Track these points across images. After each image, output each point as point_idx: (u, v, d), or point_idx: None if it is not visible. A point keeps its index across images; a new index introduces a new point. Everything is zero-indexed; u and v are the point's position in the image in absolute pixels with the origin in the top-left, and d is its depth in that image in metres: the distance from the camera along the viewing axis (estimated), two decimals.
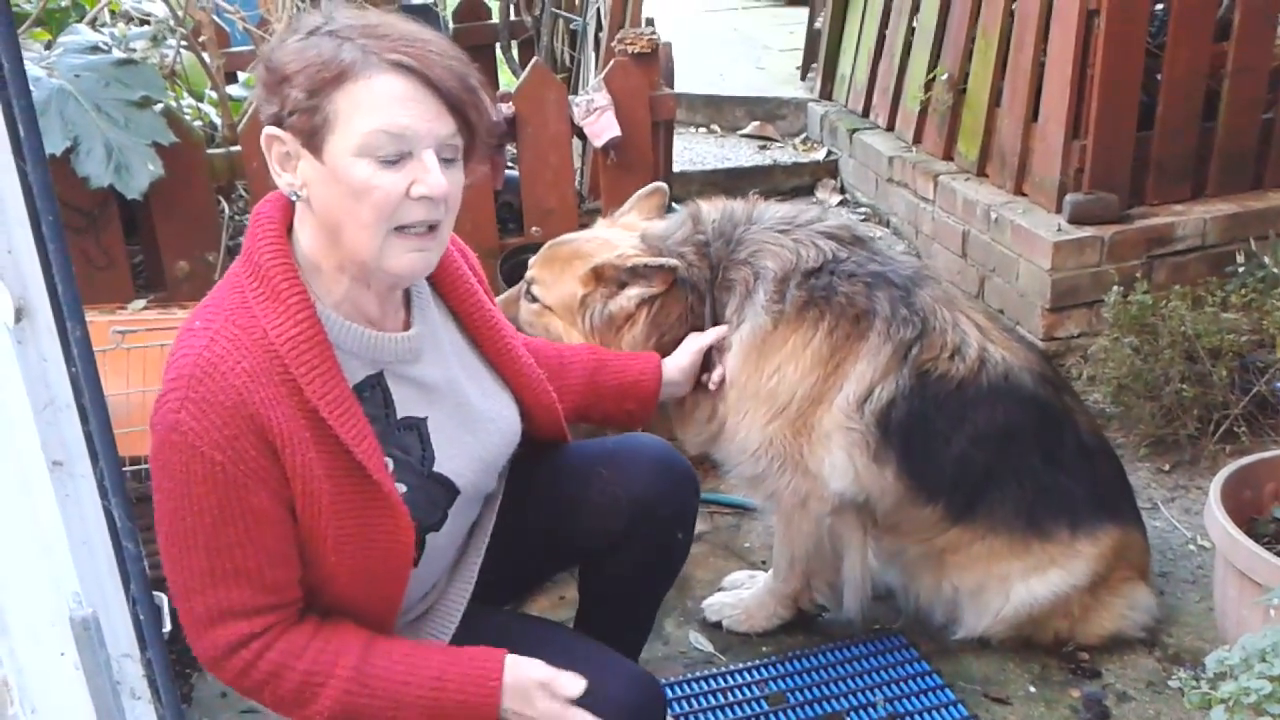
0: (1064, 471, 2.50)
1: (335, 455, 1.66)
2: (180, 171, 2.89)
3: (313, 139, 1.62)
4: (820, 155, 5.30)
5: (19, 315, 1.03)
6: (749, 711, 2.50)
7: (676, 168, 4.06)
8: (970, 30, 4.23)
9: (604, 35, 3.96)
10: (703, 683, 2.58)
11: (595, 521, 2.05)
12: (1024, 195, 3.95)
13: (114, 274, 2.98)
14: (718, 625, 2.75)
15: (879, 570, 2.63)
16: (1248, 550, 2.34)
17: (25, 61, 0.97)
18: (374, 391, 1.77)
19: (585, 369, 2.29)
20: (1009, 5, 4.00)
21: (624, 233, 2.55)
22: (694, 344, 2.41)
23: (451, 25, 4.56)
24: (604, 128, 3.33)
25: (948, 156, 4.39)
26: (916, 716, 2.47)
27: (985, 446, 2.44)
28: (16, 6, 3.26)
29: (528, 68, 3.39)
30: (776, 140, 5.56)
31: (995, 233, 3.91)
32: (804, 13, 6.13)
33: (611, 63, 3.41)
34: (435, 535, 1.86)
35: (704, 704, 2.52)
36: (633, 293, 2.42)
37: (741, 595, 2.77)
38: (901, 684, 2.55)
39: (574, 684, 1.73)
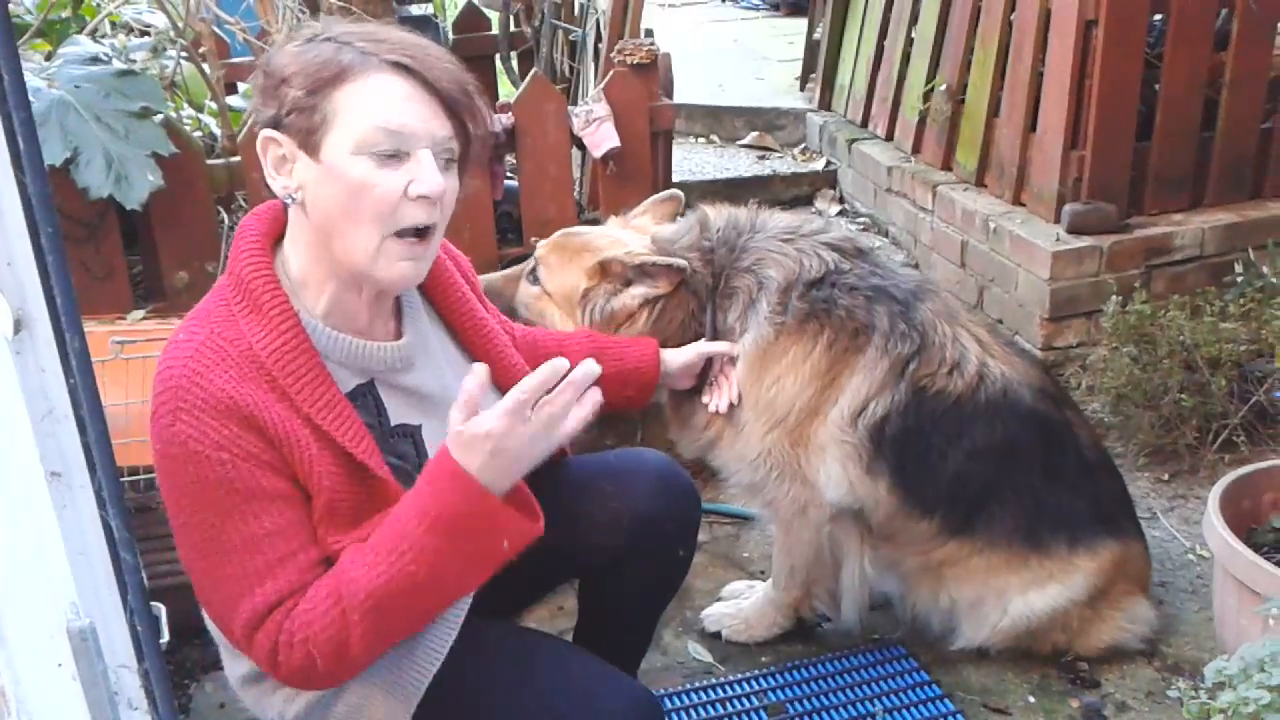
0: (1063, 487, 2.50)
1: (336, 458, 1.65)
2: (180, 182, 2.90)
3: (310, 138, 1.63)
4: (819, 165, 5.30)
5: (18, 326, 1.03)
6: None
7: (675, 178, 4.06)
8: (969, 41, 4.24)
9: (603, 46, 3.97)
10: (702, 693, 2.57)
11: (596, 537, 2.05)
12: (1023, 205, 3.95)
13: (113, 284, 2.98)
14: (717, 635, 2.75)
15: (876, 579, 2.63)
16: (1246, 560, 2.34)
17: (25, 73, 0.98)
18: (365, 400, 1.76)
19: (583, 354, 2.26)
20: (1007, 16, 4.01)
21: (635, 234, 2.55)
22: (697, 346, 2.42)
23: (451, 36, 4.58)
24: (603, 138, 3.34)
25: (946, 166, 4.39)
26: None
27: (982, 462, 2.43)
28: (17, 18, 3.27)
29: (527, 78, 3.41)
30: (775, 150, 5.57)
31: (994, 243, 3.91)
32: (803, 23, 6.15)
33: (611, 73, 3.42)
34: None
35: (703, 714, 2.51)
36: (637, 291, 2.42)
37: (741, 605, 2.77)
38: (901, 694, 2.55)
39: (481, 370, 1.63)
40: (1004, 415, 2.43)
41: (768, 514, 2.63)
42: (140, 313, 2.89)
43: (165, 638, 1.84)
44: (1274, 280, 3.47)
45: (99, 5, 3.43)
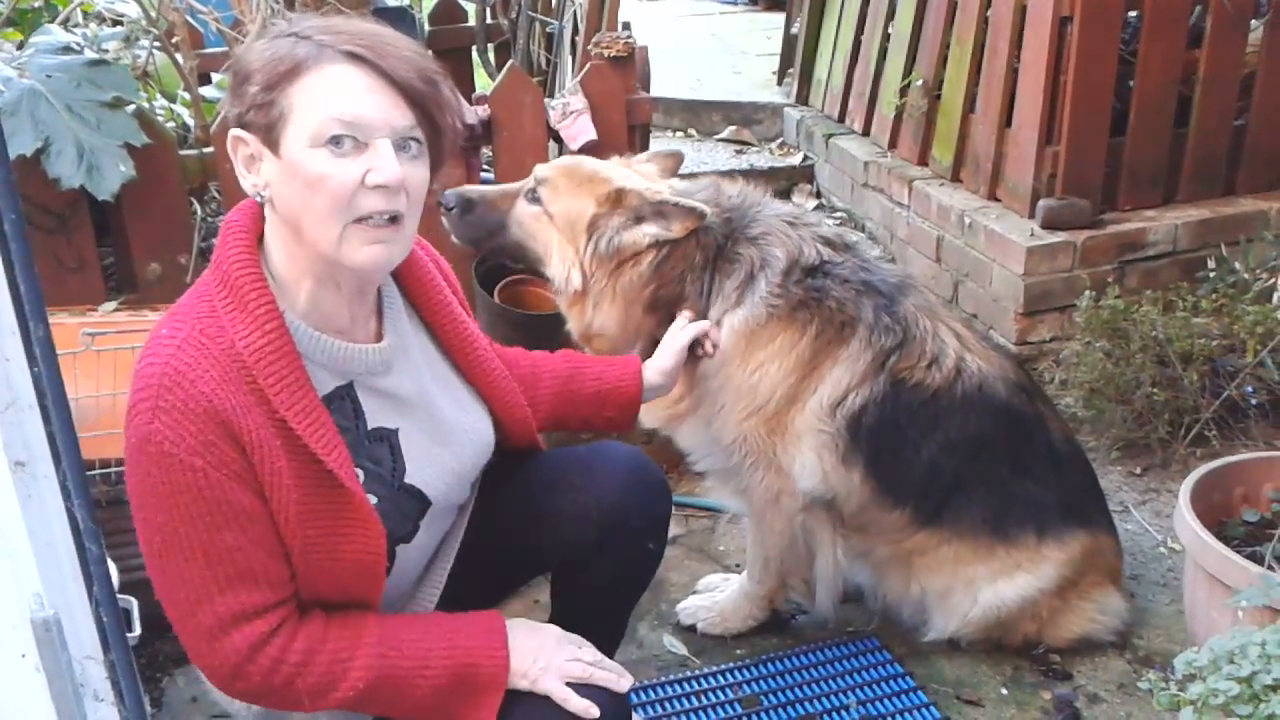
0: (1032, 479, 2.52)
1: (305, 464, 1.65)
2: (152, 173, 2.88)
3: (270, 134, 1.62)
4: (796, 160, 5.31)
5: None
6: (723, 714, 2.50)
7: None
8: (945, 37, 4.26)
9: (580, 39, 3.96)
10: (676, 686, 2.58)
11: (567, 531, 2.05)
12: (997, 201, 3.97)
13: (85, 276, 2.96)
14: (692, 628, 2.75)
15: (848, 568, 2.65)
16: (1217, 553, 2.36)
17: None
18: (343, 403, 1.75)
19: (558, 377, 2.25)
20: (983, 12, 4.02)
21: (641, 176, 2.50)
22: (675, 343, 2.38)
23: (428, 28, 4.56)
24: (580, 131, 3.34)
25: (922, 162, 4.41)
26: (890, 718, 2.47)
27: (955, 454, 2.45)
28: None
29: (503, 71, 3.39)
30: (753, 145, 5.57)
31: (969, 238, 3.93)
32: (781, 18, 6.15)
33: (588, 66, 3.42)
34: (406, 547, 1.86)
35: (678, 707, 2.51)
36: (649, 229, 2.37)
37: (716, 598, 2.77)
38: (875, 686, 2.56)
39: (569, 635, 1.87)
40: (978, 409, 2.44)
41: (741, 503, 2.63)
42: (112, 304, 2.86)
43: (137, 631, 1.83)
44: (1246, 276, 3.49)
45: None
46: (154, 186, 2.92)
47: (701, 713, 2.50)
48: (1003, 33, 3.88)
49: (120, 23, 3.36)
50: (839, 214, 4.94)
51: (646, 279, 2.39)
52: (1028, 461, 2.51)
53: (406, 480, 1.82)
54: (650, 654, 2.69)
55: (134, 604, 1.85)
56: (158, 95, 3.39)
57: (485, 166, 3.58)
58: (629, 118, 3.45)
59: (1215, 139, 3.91)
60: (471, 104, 3.28)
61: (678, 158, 2.65)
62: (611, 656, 2.30)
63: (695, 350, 2.42)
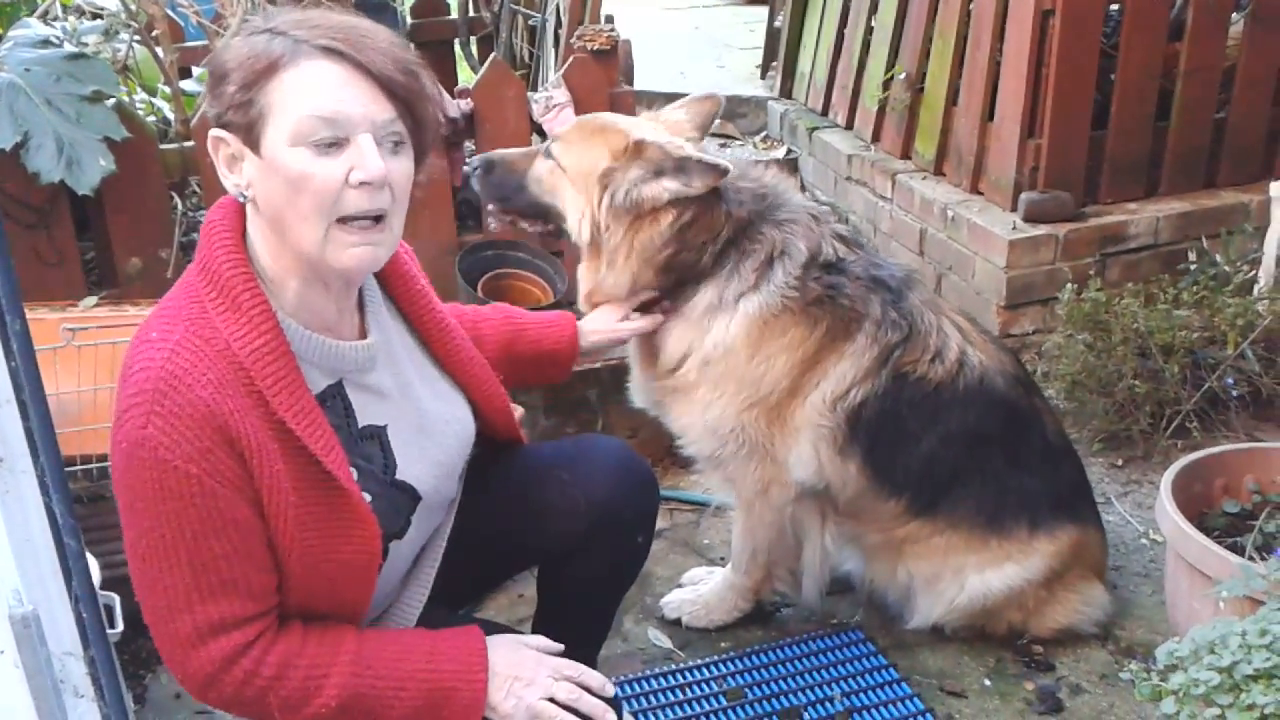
0: (1028, 472, 2.53)
1: (303, 466, 1.64)
2: (133, 167, 2.87)
3: (250, 134, 1.60)
4: (780, 153, 5.31)
5: None
6: (708, 707, 2.50)
7: None
8: (928, 30, 4.26)
9: (563, 32, 3.96)
10: (662, 679, 2.58)
11: (555, 525, 2.05)
12: (980, 194, 3.98)
13: (65, 271, 2.94)
14: (677, 622, 2.75)
15: (836, 555, 2.66)
16: (1198, 544, 2.37)
17: None
18: (335, 401, 1.75)
19: (499, 340, 2.26)
20: (966, 5, 4.03)
21: (666, 129, 2.42)
22: (614, 315, 2.38)
23: (409, 21, 4.54)
24: (563, 124, 3.33)
25: (905, 155, 4.41)
26: (873, 710, 2.48)
27: (954, 446, 2.46)
28: None
29: (486, 64, 3.39)
30: (736, 138, 5.58)
31: (952, 231, 3.94)
32: (764, 11, 6.15)
33: (571, 59, 3.41)
34: (398, 543, 1.85)
35: (663, 700, 2.52)
36: (669, 184, 2.28)
37: (700, 591, 2.77)
38: (859, 678, 2.57)
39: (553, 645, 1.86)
40: (979, 403, 2.45)
41: (728, 491, 2.61)
42: (93, 299, 2.85)
43: (119, 627, 1.83)
44: (1226, 268, 3.52)
45: None
46: (134, 181, 2.91)
47: (686, 705, 2.50)
48: (985, 26, 3.89)
49: (100, 16, 3.34)
50: (822, 207, 4.94)
51: (666, 239, 2.32)
52: (1023, 455, 2.52)
53: (398, 476, 1.81)
54: (635, 647, 2.69)
55: (116, 600, 1.85)
56: (138, 89, 3.37)
57: (468, 160, 3.57)
58: (612, 110, 3.44)
59: (1196, 132, 3.92)
60: (454, 97, 3.28)
61: (715, 102, 2.54)
62: (597, 650, 2.32)
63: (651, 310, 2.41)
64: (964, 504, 2.49)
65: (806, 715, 2.47)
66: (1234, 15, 3.89)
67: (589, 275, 2.43)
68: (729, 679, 2.57)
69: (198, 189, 3.22)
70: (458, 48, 4.67)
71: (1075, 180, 3.78)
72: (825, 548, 2.58)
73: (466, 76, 4.33)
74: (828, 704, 2.49)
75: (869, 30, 4.71)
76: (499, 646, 1.81)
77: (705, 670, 2.60)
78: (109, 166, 2.75)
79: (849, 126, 4.87)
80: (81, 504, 2.46)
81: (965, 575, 2.53)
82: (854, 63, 4.79)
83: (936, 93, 4.19)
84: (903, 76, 4.39)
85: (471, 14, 4.66)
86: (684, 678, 2.58)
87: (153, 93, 3.44)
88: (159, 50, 3.23)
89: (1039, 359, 3.55)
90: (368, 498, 1.73)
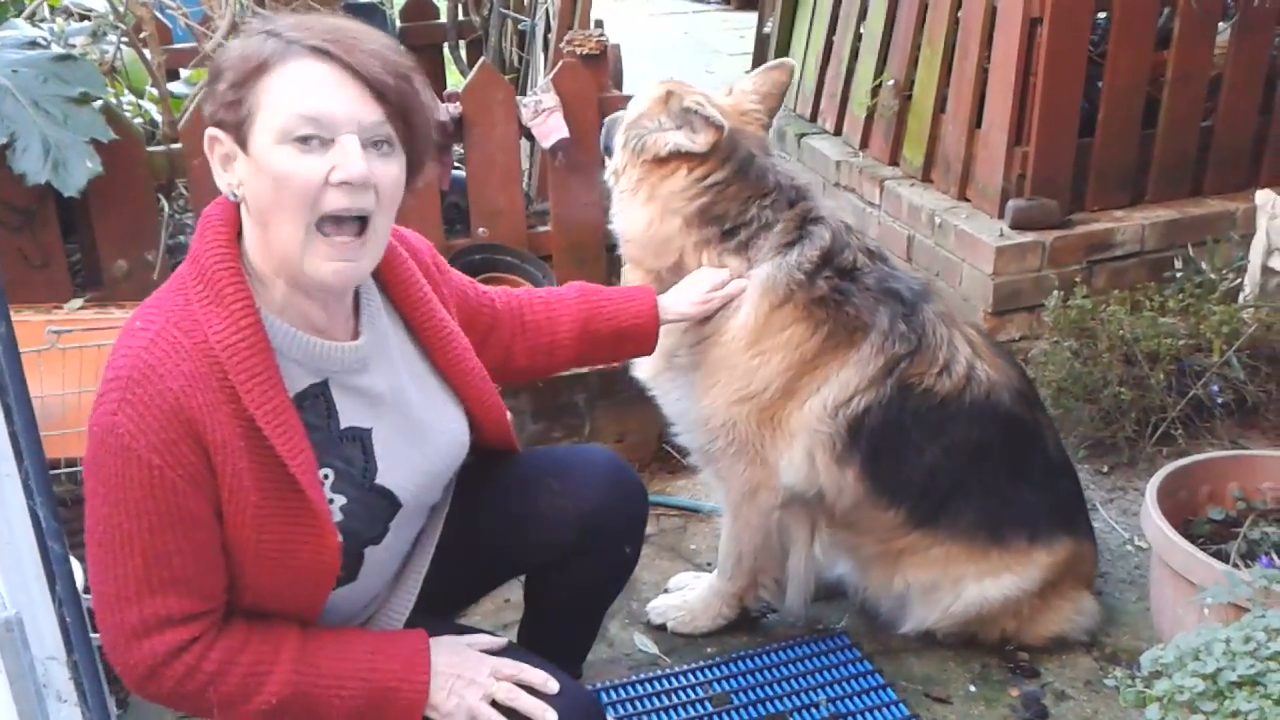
0: (1029, 486, 2.53)
1: (268, 467, 1.63)
2: (119, 169, 2.86)
3: (240, 132, 1.61)
4: None
5: None
6: (693, 713, 2.50)
7: None
8: (916, 37, 4.27)
9: (553, 36, 3.96)
10: (647, 685, 2.57)
11: (543, 535, 2.04)
12: (967, 200, 3.99)
13: (51, 273, 2.93)
14: (662, 627, 2.75)
15: (825, 565, 2.66)
16: (1183, 551, 2.38)
17: None
18: (316, 401, 1.74)
19: (576, 320, 2.27)
20: (954, 13, 4.04)
21: (730, 97, 2.53)
22: (709, 279, 2.40)
23: (399, 24, 4.54)
24: (552, 129, 3.33)
25: (893, 162, 4.42)
26: (859, 716, 2.48)
27: (957, 459, 2.46)
28: None
29: (475, 68, 3.38)
30: None
31: (939, 237, 3.95)
32: (753, 17, 6.16)
33: (560, 64, 3.41)
34: (375, 549, 1.84)
35: (648, 705, 2.51)
36: (671, 137, 2.39)
37: (686, 597, 2.77)
38: (844, 684, 2.57)
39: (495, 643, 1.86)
40: (984, 417, 2.45)
41: (718, 488, 2.61)
42: (78, 302, 2.84)
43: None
44: (1212, 276, 3.53)
45: None
46: (121, 183, 2.90)
47: (672, 711, 2.50)
48: (973, 34, 3.90)
49: (88, 17, 3.33)
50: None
51: (692, 192, 2.39)
52: (1026, 469, 2.53)
53: (377, 481, 1.80)
54: (621, 653, 2.69)
55: None
56: (125, 91, 3.36)
57: (457, 164, 3.57)
58: (601, 115, 3.44)
59: (1183, 140, 3.94)
60: (443, 101, 3.27)
61: (786, 69, 2.62)
62: (584, 657, 2.31)
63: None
64: (965, 516, 2.49)
65: None
66: (1220, 24, 3.91)
67: (615, 217, 2.54)
68: (715, 685, 2.57)
69: (185, 191, 3.21)
70: (447, 52, 4.67)
71: (1062, 187, 3.79)
72: (813, 557, 2.58)
73: (455, 80, 4.33)
74: (813, 710, 2.49)
75: (857, 37, 4.72)
76: (442, 646, 1.80)
77: (691, 676, 2.60)
78: (95, 168, 2.74)
79: (837, 133, 4.88)
80: (65, 507, 2.43)
81: (964, 584, 2.53)
82: (842, 69, 4.81)
83: (924, 100, 4.20)
84: (891, 83, 4.40)
85: (461, 18, 4.66)
86: (670, 683, 2.58)
87: (140, 95, 3.43)
88: (147, 52, 3.22)
89: (1026, 365, 3.56)
90: (343, 500, 1.72)
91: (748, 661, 2.64)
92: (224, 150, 1.65)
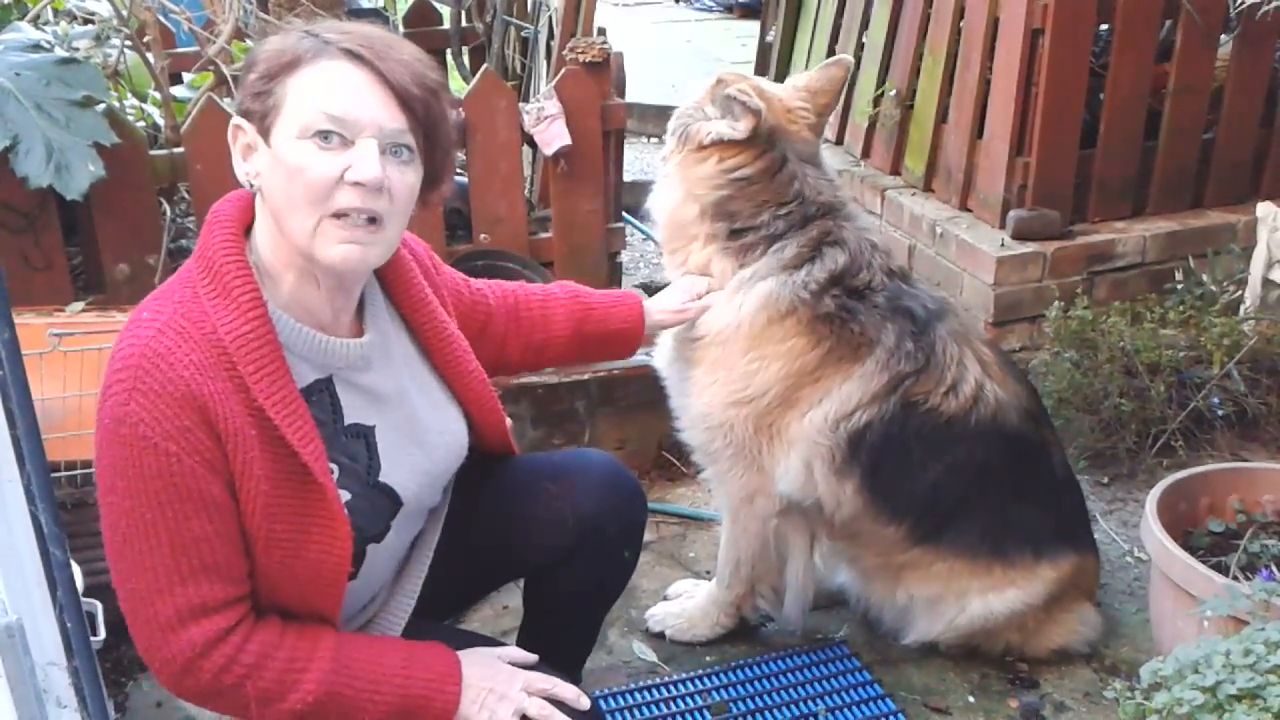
0: (1034, 504, 2.52)
1: (279, 457, 1.64)
2: (122, 173, 2.86)
3: (264, 123, 1.63)
4: None
5: None
6: None
7: (627, 177, 4.07)
8: (918, 47, 4.28)
9: (556, 44, 3.96)
10: (646, 693, 2.57)
11: (542, 538, 2.05)
12: (969, 211, 3.99)
13: (52, 275, 2.93)
14: (661, 635, 2.74)
15: (826, 574, 2.66)
16: (1183, 563, 2.38)
17: None
18: (321, 396, 1.74)
19: (569, 321, 2.29)
20: (956, 23, 4.04)
21: (784, 93, 2.52)
22: (688, 287, 2.43)
23: (401, 30, 4.55)
24: (554, 136, 3.34)
25: (895, 171, 4.42)
26: None
27: (962, 478, 2.45)
28: None
29: (478, 74, 3.39)
30: None
31: (940, 247, 3.95)
32: (756, 26, 6.17)
33: (563, 71, 3.42)
34: (376, 547, 1.85)
35: (647, 714, 2.51)
36: (713, 126, 2.40)
37: (685, 605, 2.77)
38: (843, 694, 2.56)
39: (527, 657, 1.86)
40: (990, 437, 2.43)
41: (719, 491, 2.61)
42: (80, 304, 2.84)
43: (101, 635, 1.82)
44: (1213, 288, 3.53)
45: None
46: (123, 186, 2.90)
47: (671, 719, 2.50)
48: (975, 44, 3.90)
49: (91, 21, 3.33)
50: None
51: (716, 182, 2.40)
52: (1031, 486, 2.52)
53: (380, 478, 1.81)
54: (620, 660, 2.68)
55: (98, 607, 1.84)
56: (128, 94, 3.36)
57: (459, 170, 3.57)
58: (603, 123, 3.45)
59: (1184, 152, 3.94)
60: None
61: (843, 66, 2.59)
62: (582, 663, 2.31)
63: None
64: (969, 533, 2.48)
65: None
66: (1223, 36, 3.91)
67: (652, 196, 2.57)
68: (713, 693, 2.57)
69: (186, 195, 3.21)
70: (450, 58, 4.67)
71: (1063, 198, 3.79)
72: (811, 567, 2.58)
73: (458, 87, 4.33)
74: (812, 719, 2.49)
75: (860, 47, 4.72)
76: (473, 658, 1.81)
77: (690, 684, 2.60)
78: (98, 172, 2.74)
79: (839, 142, 4.88)
80: (65, 510, 2.44)
81: (968, 598, 2.52)
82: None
83: (926, 110, 4.21)
84: (893, 93, 4.40)
85: (464, 25, 4.67)
86: (668, 691, 2.57)
87: (143, 98, 3.43)
88: (150, 56, 3.23)
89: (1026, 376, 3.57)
90: (347, 496, 1.73)
91: (747, 670, 2.64)
92: (246, 140, 1.67)
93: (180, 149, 3.04)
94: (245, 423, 1.61)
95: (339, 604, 1.77)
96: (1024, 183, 3.77)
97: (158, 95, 3.31)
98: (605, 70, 3.46)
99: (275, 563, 1.67)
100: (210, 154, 2.94)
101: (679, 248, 2.49)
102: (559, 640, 2.20)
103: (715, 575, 2.72)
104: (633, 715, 2.51)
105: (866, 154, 4.63)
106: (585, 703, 1.82)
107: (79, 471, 2.46)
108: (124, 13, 3.16)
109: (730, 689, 2.58)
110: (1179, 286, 3.61)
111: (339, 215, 1.62)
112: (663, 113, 5.55)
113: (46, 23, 3.29)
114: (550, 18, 4.07)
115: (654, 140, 5.77)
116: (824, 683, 2.60)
